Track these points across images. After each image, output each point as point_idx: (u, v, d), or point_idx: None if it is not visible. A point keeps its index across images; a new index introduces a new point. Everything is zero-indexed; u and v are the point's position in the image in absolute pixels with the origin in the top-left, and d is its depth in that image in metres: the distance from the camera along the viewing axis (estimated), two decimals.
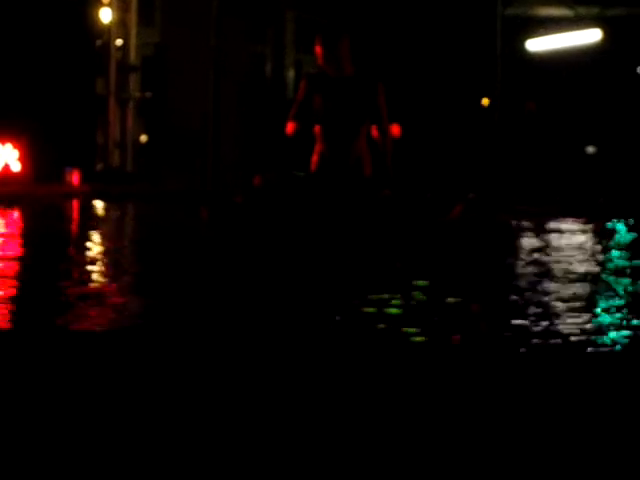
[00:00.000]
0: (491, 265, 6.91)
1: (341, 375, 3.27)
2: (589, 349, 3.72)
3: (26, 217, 12.37)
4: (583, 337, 3.91)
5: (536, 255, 7.75)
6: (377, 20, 20.28)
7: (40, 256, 6.99)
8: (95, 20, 20.00)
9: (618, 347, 3.75)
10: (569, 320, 4.30)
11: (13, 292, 5.02)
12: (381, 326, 4.10)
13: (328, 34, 6.59)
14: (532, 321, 4.27)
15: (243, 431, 2.67)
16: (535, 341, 3.80)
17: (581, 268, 6.60)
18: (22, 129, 18.05)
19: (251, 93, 21.62)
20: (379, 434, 2.66)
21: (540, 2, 20.05)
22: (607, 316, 4.49)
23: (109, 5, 20.16)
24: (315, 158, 6.64)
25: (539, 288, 5.48)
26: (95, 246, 8.07)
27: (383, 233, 6.50)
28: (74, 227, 11.06)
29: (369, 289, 5.18)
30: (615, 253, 8.18)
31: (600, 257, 7.75)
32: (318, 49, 6.57)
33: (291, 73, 22.39)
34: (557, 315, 4.45)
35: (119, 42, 20.54)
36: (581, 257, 7.57)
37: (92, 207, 14.66)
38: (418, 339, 3.86)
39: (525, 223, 12.48)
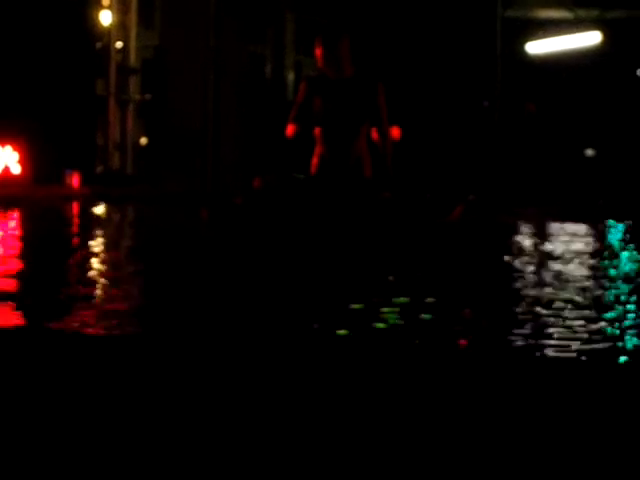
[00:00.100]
0: (491, 267, 6.91)
1: (338, 379, 3.27)
2: (587, 355, 3.72)
3: (26, 219, 12.37)
4: (582, 340, 3.91)
5: (536, 257, 7.75)
6: (377, 21, 20.29)
7: (39, 258, 6.98)
8: (95, 22, 20.01)
9: (621, 358, 3.75)
10: (568, 323, 4.30)
11: (12, 294, 5.02)
12: (379, 328, 4.10)
13: (328, 35, 6.59)
14: (530, 324, 4.26)
15: (242, 431, 2.67)
16: (532, 344, 3.80)
17: (581, 271, 6.59)
18: (22, 131, 18.05)
19: (251, 94, 21.63)
20: (378, 435, 2.66)
21: (540, 4, 20.06)
22: (607, 322, 4.49)
23: (109, 8, 20.17)
24: (315, 160, 6.64)
25: (539, 290, 5.48)
26: (95, 248, 8.06)
27: (383, 235, 6.50)
28: (74, 229, 11.05)
29: (367, 292, 5.18)
30: (614, 255, 8.18)
31: (599, 260, 7.75)
32: (318, 50, 6.57)
33: (291, 74, 22.39)
34: (556, 318, 4.45)
35: (119, 44, 20.55)
36: (581, 260, 7.57)
37: (92, 209, 14.66)
38: (416, 342, 3.86)
39: (525, 225, 12.48)
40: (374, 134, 6.66)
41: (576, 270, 6.55)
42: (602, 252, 8.56)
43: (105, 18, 20.11)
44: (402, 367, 3.45)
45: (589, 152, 20.07)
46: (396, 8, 20.27)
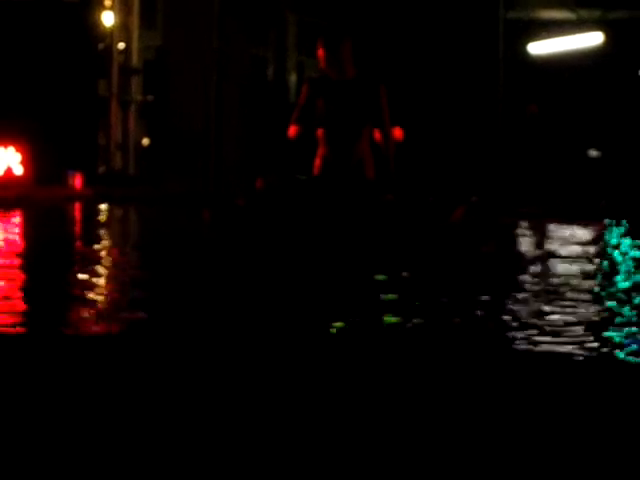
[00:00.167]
0: (491, 268, 6.91)
1: (337, 379, 3.27)
2: (586, 354, 3.72)
3: (28, 220, 12.37)
4: (583, 340, 3.91)
5: (537, 259, 7.75)
6: (379, 23, 20.28)
7: (42, 259, 6.99)
8: (97, 23, 20.01)
9: (631, 359, 3.75)
10: (568, 326, 4.30)
11: (14, 295, 5.02)
12: (379, 328, 4.10)
13: (330, 37, 6.59)
14: (530, 324, 4.26)
15: (241, 432, 2.67)
16: (531, 344, 3.80)
17: (581, 272, 6.59)
18: (24, 132, 18.05)
19: (253, 96, 21.63)
20: (378, 435, 2.66)
21: (542, 5, 20.05)
22: (610, 325, 4.49)
23: (111, 8, 20.17)
24: (317, 162, 6.64)
25: (539, 291, 5.48)
26: (97, 249, 8.07)
27: (385, 236, 6.50)
28: (76, 230, 11.06)
29: (367, 293, 5.18)
30: (614, 257, 8.18)
31: (600, 261, 7.75)
32: (320, 52, 6.57)
33: (293, 76, 22.39)
34: (556, 320, 4.45)
35: (121, 45, 20.55)
36: (582, 261, 7.57)
37: (94, 210, 14.66)
38: (416, 343, 3.86)
39: (527, 226, 12.47)
40: (376, 136, 6.66)
41: (576, 270, 6.55)
42: (603, 253, 8.55)
43: (107, 19, 20.12)
44: (402, 367, 3.45)
45: (592, 153, 20.06)
46: (398, 9, 20.26)
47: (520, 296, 5.24)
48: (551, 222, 12.83)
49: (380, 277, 5.92)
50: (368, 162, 6.59)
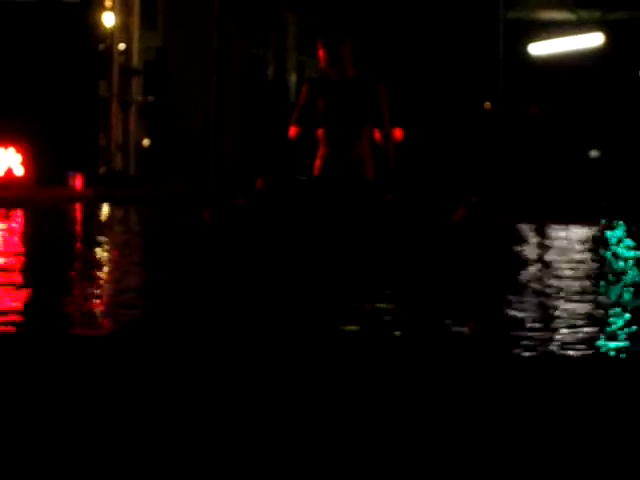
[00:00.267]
0: (492, 268, 6.91)
1: (337, 379, 3.27)
2: (588, 355, 3.72)
3: (29, 221, 12.38)
4: (582, 340, 3.91)
5: (538, 259, 7.75)
6: (379, 23, 20.29)
7: (42, 259, 6.99)
8: (98, 24, 20.01)
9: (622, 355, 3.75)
10: (568, 327, 4.30)
11: (13, 295, 5.03)
12: (379, 328, 4.10)
13: (330, 37, 6.60)
14: (530, 324, 4.27)
15: (241, 432, 2.67)
16: (532, 343, 3.80)
17: (582, 273, 6.59)
18: (25, 133, 18.06)
19: (253, 96, 21.63)
20: (378, 435, 2.66)
21: (542, 6, 20.05)
22: (609, 324, 4.49)
23: (112, 9, 20.18)
24: (318, 162, 6.65)
25: (539, 292, 5.48)
26: (98, 249, 8.07)
27: (385, 236, 6.50)
28: (77, 230, 11.06)
29: (367, 293, 5.18)
30: (615, 258, 8.18)
31: (600, 262, 7.75)
32: (320, 52, 6.58)
33: (293, 76, 22.40)
34: (556, 322, 4.45)
35: (122, 46, 20.55)
36: (582, 262, 7.57)
37: (95, 211, 14.66)
38: (415, 343, 3.87)
39: (528, 226, 12.47)
40: (376, 136, 6.66)
41: (577, 271, 6.55)
42: (603, 254, 8.56)
43: (108, 20, 20.12)
44: (402, 367, 3.45)
45: (593, 154, 20.06)
46: (398, 9, 20.27)
47: (520, 296, 5.24)
48: (551, 222, 12.83)
49: (380, 277, 5.92)
50: (368, 162, 6.59)
